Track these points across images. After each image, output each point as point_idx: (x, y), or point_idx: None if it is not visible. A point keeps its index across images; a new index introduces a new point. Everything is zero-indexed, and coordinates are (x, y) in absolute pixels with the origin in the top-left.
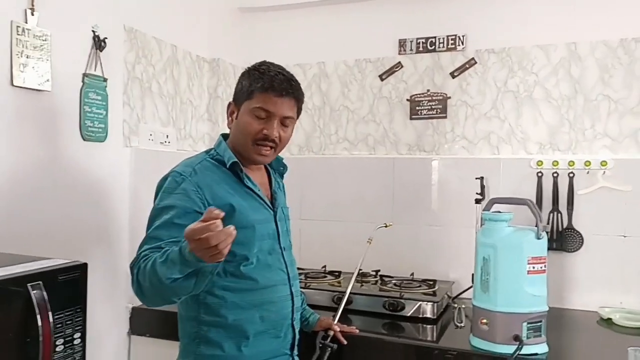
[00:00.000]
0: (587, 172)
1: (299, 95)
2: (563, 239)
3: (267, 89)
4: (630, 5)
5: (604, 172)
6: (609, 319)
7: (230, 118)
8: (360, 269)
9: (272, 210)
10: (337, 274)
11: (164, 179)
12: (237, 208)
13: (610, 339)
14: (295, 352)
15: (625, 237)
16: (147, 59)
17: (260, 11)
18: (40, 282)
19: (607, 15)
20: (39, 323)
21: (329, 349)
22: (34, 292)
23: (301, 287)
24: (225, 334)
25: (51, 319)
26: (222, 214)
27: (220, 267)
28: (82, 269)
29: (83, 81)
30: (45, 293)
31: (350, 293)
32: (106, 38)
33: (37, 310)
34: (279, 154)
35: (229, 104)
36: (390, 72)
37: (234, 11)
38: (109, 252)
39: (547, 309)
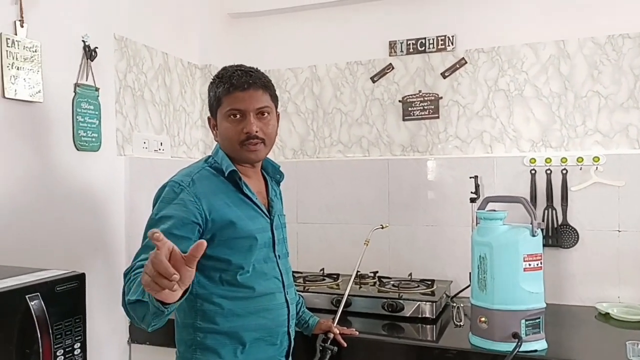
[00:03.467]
0: (580, 169)
1: (263, 82)
2: (558, 236)
3: (229, 89)
4: (617, 2)
5: (597, 167)
6: (607, 313)
7: (214, 131)
8: (358, 271)
9: (269, 218)
10: (335, 276)
11: (162, 188)
12: (235, 221)
13: (609, 333)
14: (290, 359)
15: (619, 231)
16: (139, 67)
17: (251, 16)
18: (38, 293)
19: (594, 12)
20: (39, 334)
21: (329, 351)
22: (33, 303)
23: (300, 291)
24: (222, 340)
25: (51, 330)
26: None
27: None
28: (80, 279)
29: (75, 91)
30: (43, 304)
31: (349, 295)
32: (97, 47)
33: (36, 322)
34: (278, 159)
35: (209, 119)
36: (382, 74)
37: (224, 17)
38: (106, 262)
39: (544, 305)
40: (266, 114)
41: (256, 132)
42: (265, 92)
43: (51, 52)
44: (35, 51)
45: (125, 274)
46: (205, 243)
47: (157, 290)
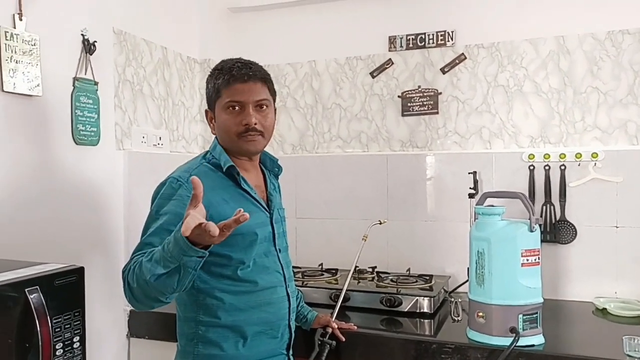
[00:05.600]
0: (579, 165)
1: (262, 75)
2: (556, 231)
3: (229, 80)
4: None
5: (595, 163)
6: (604, 309)
7: (211, 124)
8: (356, 266)
9: (268, 212)
10: (334, 271)
11: (162, 184)
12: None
13: (606, 328)
14: (291, 352)
15: (617, 227)
16: (138, 61)
17: (250, 11)
18: (38, 287)
19: (594, 8)
20: (38, 328)
21: (328, 345)
22: (32, 297)
23: (298, 286)
24: (224, 334)
25: (50, 324)
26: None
27: (204, 267)
28: (79, 272)
29: (74, 85)
30: (42, 298)
31: (348, 290)
32: (96, 41)
33: (35, 315)
34: (277, 154)
35: (206, 112)
36: (381, 69)
37: (224, 11)
38: (105, 256)
39: (542, 300)
40: (265, 107)
41: (255, 124)
42: (264, 85)
43: (50, 46)
44: (34, 45)
45: (124, 271)
46: (247, 216)
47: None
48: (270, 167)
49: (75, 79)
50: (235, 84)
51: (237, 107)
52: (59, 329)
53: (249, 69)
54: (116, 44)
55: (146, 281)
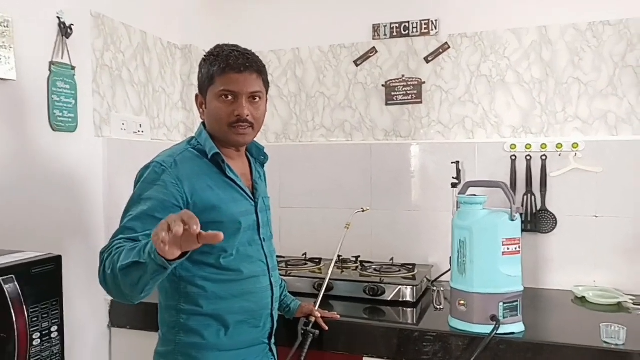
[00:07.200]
0: (559, 155)
1: (259, 67)
2: (537, 221)
3: (225, 69)
4: None
5: (576, 154)
6: (583, 297)
7: (201, 109)
8: (339, 255)
9: (253, 201)
10: (317, 260)
11: (145, 168)
12: (218, 205)
13: (584, 316)
14: (273, 341)
15: (596, 217)
16: (116, 45)
17: None
18: (13, 275)
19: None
20: (14, 317)
21: (311, 335)
22: (7, 286)
23: (282, 275)
24: (205, 322)
25: (26, 313)
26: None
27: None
28: (56, 261)
29: (50, 69)
30: (18, 287)
31: (331, 279)
32: (72, 24)
33: (10, 305)
34: (261, 143)
35: (197, 96)
36: (365, 57)
37: None
38: (84, 245)
39: (522, 289)
40: (257, 99)
41: (247, 116)
42: (259, 76)
43: (24, 28)
44: (7, 26)
45: (102, 252)
46: (222, 236)
47: (165, 234)
48: (256, 155)
49: (51, 63)
50: (230, 73)
51: (230, 97)
52: (36, 319)
53: (246, 59)
54: (94, 27)
55: (118, 269)
